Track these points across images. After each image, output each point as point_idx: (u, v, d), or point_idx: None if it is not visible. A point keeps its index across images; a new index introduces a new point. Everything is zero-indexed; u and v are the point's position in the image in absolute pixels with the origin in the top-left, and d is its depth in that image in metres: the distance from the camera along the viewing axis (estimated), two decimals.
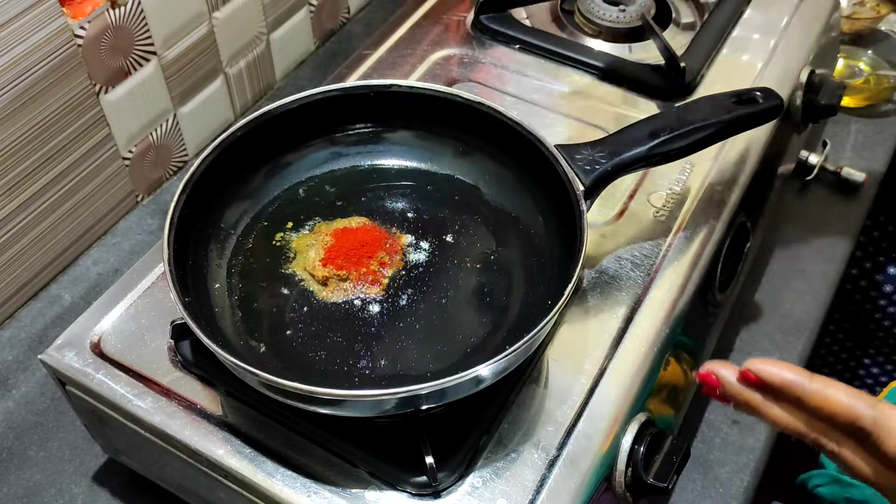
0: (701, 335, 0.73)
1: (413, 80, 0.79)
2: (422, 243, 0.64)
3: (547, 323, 0.52)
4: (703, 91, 0.79)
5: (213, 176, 0.61)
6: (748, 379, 0.48)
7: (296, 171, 0.68)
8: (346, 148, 0.69)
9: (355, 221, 0.65)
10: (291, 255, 0.63)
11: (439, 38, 0.85)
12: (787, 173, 0.90)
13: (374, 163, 0.69)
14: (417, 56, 0.83)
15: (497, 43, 0.84)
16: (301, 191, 0.67)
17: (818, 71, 0.83)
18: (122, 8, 0.78)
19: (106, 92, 0.81)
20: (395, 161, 0.69)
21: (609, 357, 0.61)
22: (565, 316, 0.63)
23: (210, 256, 0.62)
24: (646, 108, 0.78)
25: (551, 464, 0.55)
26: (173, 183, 0.94)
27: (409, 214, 0.66)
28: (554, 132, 0.74)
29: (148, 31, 0.82)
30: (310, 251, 0.63)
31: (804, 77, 0.82)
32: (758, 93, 0.65)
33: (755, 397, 0.48)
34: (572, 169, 0.59)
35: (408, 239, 0.64)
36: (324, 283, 0.61)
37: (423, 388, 0.49)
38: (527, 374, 0.59)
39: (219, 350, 0.51)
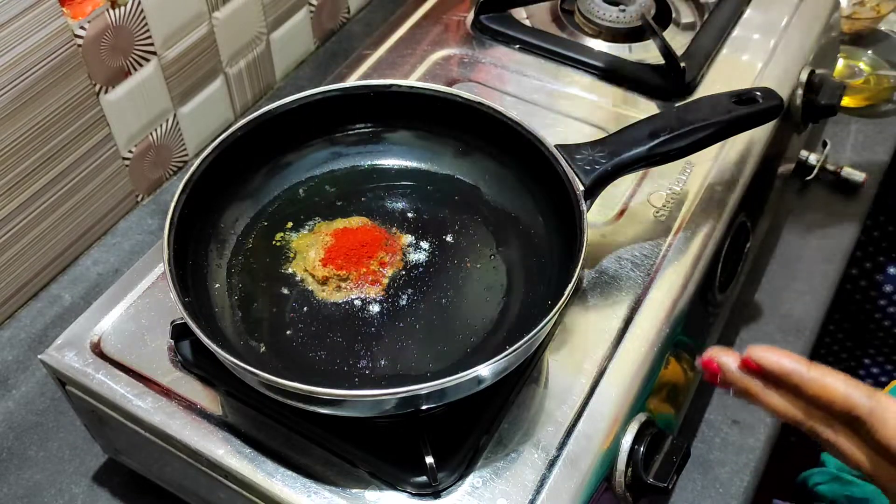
0: (701, 335, 0.73)
1: (413, 80, 0.79)
2: (422, 243, 0.64)
3: (547, 323, 0.52)
4: (703, 91, 0.79)
5: (213, 176, 0.61)
6: (749, 366, 0.49)
7: (296, 171, 0.68)
8: (346, 148, 0.69)
9: (355, 221, 0.65)
10: (291, 255, 0.63)
11: (439, 38, 0.85)
12: (787, 173, 0.90)
13: (374, 163, 0.69)
14: (417, 56, 0.83)
15: (497, 43, 0.84)
16: (301, 191, 0.67)
17: (818, 71, 0.83)
18: (122, 8, 0.78)
19: (106, 92, 0.81)
20: (395, 161, 0.69)
21: (609, 357, 0.61)
22: (565, 316, 0.63)
23: (210, 256, 0.62)
24: (646, 108, 0.78)
25: (551, 464, 0.55)
26: (173, 183, 0.94)
27: (409, 214, 0.66)
28: (554, 132, 0.74)
29: (148, 31, 0.82)
30: (310, 251, 0.63)
31: (804, 77, 0.82)
32: (758, 93, 0.65)
33: (754, 384, 0.49)
34: (572, 169, 0.59)
35: (408, 239, 0.64)
36: (324, 283, 0.61)
37: (423, 388, 0.49)
38: (527, 374, 0.59)
39: (219, 350, 0.51)
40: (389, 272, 0.62)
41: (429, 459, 0.53)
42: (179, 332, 0.60)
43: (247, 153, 0.64)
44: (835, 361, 1.24)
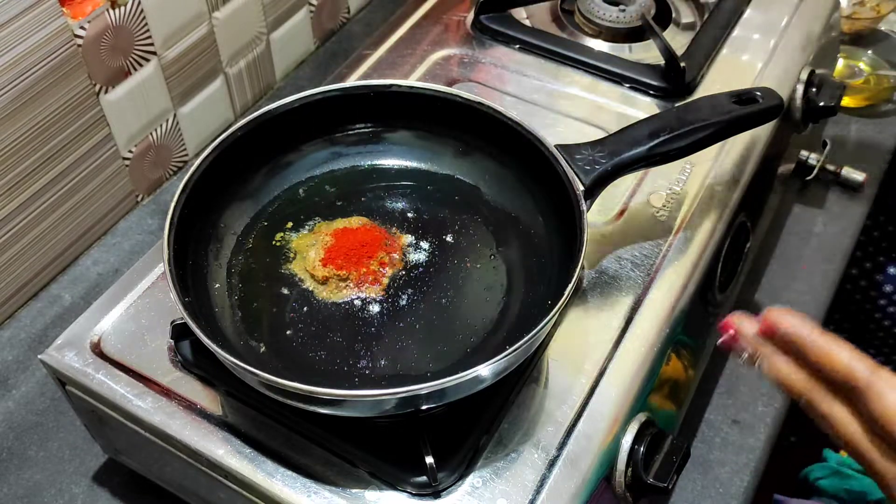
0: (701, 335, 0.73)
1: (413, 80, 0.79)
2: (422, 243, 0.64)
3: (547, 323, 0.52)
4: (703, 91, 0.79)
5: (213, 176, 0.61)
6: (765, 332, 0.50)
7: (296, 171, 0.68)
8: (346, 148, 0.69)
9: (355, 221, 0.65)
10: (291, 255, 0.63)
11: (439, 38, 0.85)
12: (787, 173, 0.90)
13: (374, 163, 0.69)
14: (417, 56, 0.83)
15: (497, 43, 0.84)
16: (301, 191, 0.67)
17: (818, 71, 0.83)
18: (122, 8, 0.78)
19: (106, 92, 0.81)
20: (395, 161, 0.69)
21: (609, 357, 0.61)
22: (565, 316, 0.63)
23: (210, 256, 0.62)
24: (646, 108, 0.78)
25: (551, 464, 0.55)
26: (173, 183, 0.94)
27: (409, 214, 0.66)
28: (554, 132, 0.74)
29: (148, 31, 0.82)
30: (310, 251, 0.63)
31: (804, 77, 0.82)
32: (758, 93, 0.65)
33: (764, 348, 0.50)
34: (572, 169, 0.59)
35: (408, 239, 0.64)
36: (324, 283, 0.61)
37: (423, 388, 0.49)
38: (527, 374, 0.59)
39: (219, 350, 0.51)
40: (389, 272, 0.62)
41: (429, 459, 0.53)
42: (179, 332, 0.60)
43: (247, 153, 0.64)
44: None
